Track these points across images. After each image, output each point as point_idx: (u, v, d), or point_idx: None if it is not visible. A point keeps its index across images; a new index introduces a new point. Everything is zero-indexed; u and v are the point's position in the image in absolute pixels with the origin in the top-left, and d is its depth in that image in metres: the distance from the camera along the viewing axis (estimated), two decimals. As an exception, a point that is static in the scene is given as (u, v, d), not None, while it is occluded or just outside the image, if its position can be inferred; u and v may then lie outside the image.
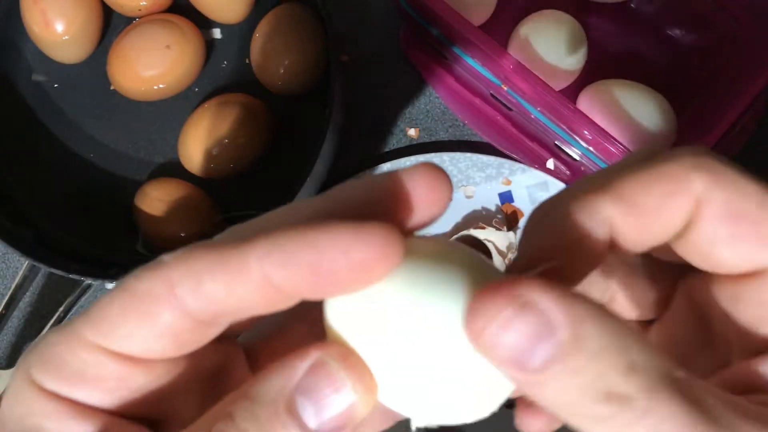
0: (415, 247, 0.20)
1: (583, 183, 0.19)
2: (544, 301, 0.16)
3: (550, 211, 0.19)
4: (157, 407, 0.20)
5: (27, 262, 0.48)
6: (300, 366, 0.18)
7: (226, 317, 0.19)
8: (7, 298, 0.49)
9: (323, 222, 0.17)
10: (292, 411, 0.17)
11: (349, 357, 0.18)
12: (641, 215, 0.18)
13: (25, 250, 0.46)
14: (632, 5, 0.50)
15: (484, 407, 0.19)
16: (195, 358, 0.20)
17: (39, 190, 0.51)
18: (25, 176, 0.51)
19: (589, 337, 0.16)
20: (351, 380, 0.18)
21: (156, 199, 0.48)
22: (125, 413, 0.20)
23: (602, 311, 0.16)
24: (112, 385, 0.19)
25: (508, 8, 0.49)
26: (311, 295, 0.18)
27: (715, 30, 0.50)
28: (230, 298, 0.18)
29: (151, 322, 0.18)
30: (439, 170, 0.20)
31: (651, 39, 0.50)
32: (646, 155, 0.19)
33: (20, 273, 0.49)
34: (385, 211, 0.20)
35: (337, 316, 0.19)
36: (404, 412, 0.19)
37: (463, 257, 0.19)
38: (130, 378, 0.19)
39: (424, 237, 0.20)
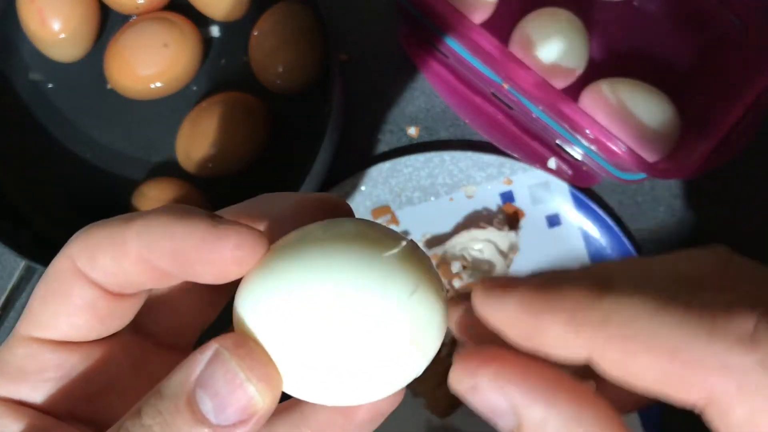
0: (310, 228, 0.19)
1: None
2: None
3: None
4: (104, 406, 0.21)
5: (23, 263, 0.48)
6: (200, 359, 0.18)
7: (127, 288, 0.20)
8: (3, 299, 0.49)
9: (191, 212, 0.19)
10: (193, 406, 0.17)
11: (245, 347, 0.18)
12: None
13: (22, 250, 0.45)
14: (635, 3, 0.50)
15: (387, 387, 0.18)
16: (140, 360, 0.21)
17: (35, 189, 0.51)
18: (20, 175, 0.51)
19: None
20: (248, 372, 0.17)
21: (154, 199, 0.48)
22: (70, 412, 0.20)
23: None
24: (51, 374, 0.20)
25: (510, 6, 0.49)
26: (184, 277, 0.19)
27: (719, 28, 0.49)
28: (118, 270, 0.19)
29: (66, 299, 0.20)
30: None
31: (653, 37, 0.50)
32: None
33: (16, 273, 0.49)
34: None
35: (241, 302, 0.18)
36: (306, 398, 0.18)
37: (354, 230, 0.19)
38: (68, 365, 0.20)
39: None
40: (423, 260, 0.18)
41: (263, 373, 0.17)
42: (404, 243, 0.18)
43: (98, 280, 0.19)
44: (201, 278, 0.19)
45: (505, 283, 0.18)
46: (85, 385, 0.20)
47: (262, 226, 0.22)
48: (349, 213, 0.22)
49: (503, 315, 0.17)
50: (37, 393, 0.20)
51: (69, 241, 0.20)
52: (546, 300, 0.17)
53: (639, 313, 0.16)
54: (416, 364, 0.18)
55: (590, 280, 0.17)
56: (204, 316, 0.23)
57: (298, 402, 0.20)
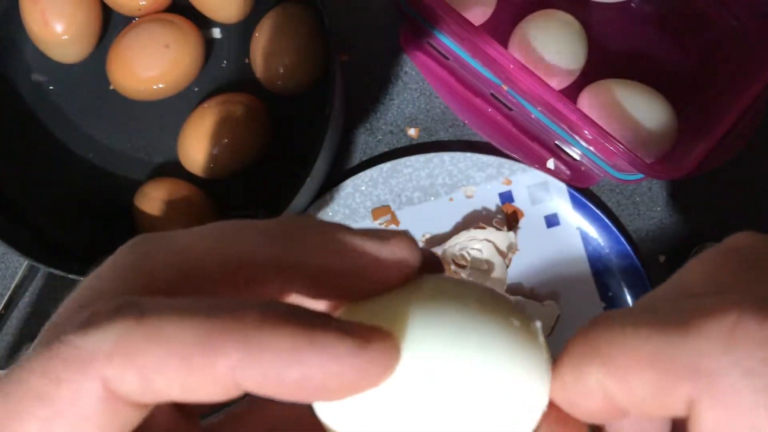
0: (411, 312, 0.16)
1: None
2: None
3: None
4: None
5: (26, 262, 0.48)
6: None
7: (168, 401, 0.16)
8: (6, 298, 0.49)
9: (314, 324, 0.15)
10: None
11: None
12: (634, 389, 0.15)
13: (25, 250, 0.45)
14: (633, 4, 0.50)
15: None
16: (148, 424, 0.17)
17: (38, 190, 0.51)
18: (24, 176, 0.51)
19: None
20: None
21: (156, 199, 0.48)
22: None
23: None
24: None
25: (509, 7, 0.49)
26: (286, 400, 0.15)
27: (716, 29, 0.49)
28: (186, 395, 0.15)
29: (86, 427, 0.14)
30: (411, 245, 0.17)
31: (651, 38, 0.50)
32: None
33: (19, 273, 0.49)
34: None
35: (331, 415, 0.16)
36: None
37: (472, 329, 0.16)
38: None
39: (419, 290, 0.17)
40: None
41: None
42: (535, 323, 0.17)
43: (143, 400, 0.15)
44: (317, 400, 0.16)
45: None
46: None
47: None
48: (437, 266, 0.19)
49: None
50: None
51: (89, 350, 0.15)
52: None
53: (622, 334, 0.15)
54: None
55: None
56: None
57: None
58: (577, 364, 0.16)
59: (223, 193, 0.50)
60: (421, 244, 0.51)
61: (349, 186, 0.51)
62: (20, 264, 0.50)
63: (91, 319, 0.15)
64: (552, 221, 0.51)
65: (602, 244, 0.50)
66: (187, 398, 0.15)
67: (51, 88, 0.52)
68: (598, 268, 0.50)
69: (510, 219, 0.51)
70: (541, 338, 0.17)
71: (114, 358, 0.14)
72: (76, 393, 0.14)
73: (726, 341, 0.14)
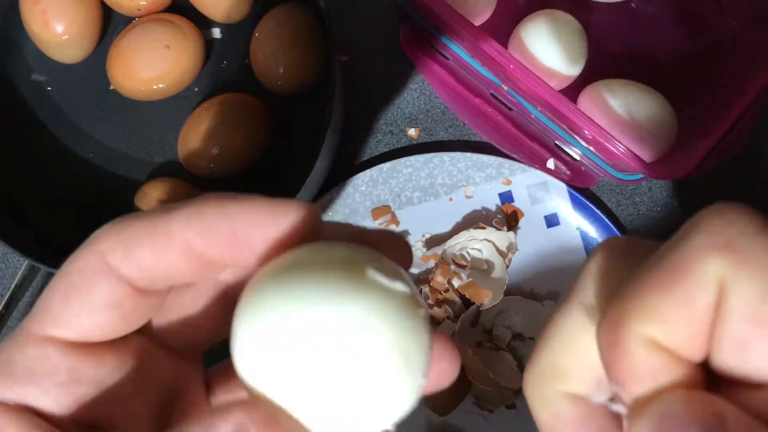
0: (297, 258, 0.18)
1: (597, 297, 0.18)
2: None
3: (571, 334, 0.18)
4: (108, 412, 0.19)
5: (27, 262, 0.48)
6: (222, 427, 0.16)
7: (159, 283, 0.19)
8: (6, 298, 0.49)
9: (244, 195, 0.18)
10: None
11: (272, 422, 0.16)
12: (674, 331, 0.16)
13: (25, 250, 0.45)
14: (633, 5, 0.50)
15: (391, 413, 0.18)
16: (147, 365, 0.20)
17: (39, 190, 0.51)
18: (24, 176, 0.51)
19: None
20: None
21: (156, 200, 0.48)
22: (75, 418, 0.19)
23: None
24: (63, 378, 0.18)
25: (509, 8, 0.49)
26: (231, 263, 0.19)
27: (716, 30, 0.50)
28: (158, 263, 0.18)
29: (91, 296, 0.18)
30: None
31: (651, 39, 0.50)
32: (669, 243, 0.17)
33: (20, 273, 0.49)
34: None
35: (245, 363, 0.17)
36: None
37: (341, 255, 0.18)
38: (81, 369, 0.19)
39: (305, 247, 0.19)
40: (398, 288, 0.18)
41: None
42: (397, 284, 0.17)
43: (131, 275, 0.19)
44: (247, 260, 0.18)
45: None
46: (92, 390, 0.19)
47: None
48: (405, 254, 0.20)
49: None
50: (44, 397, 0.18)
51: (94, 236, 0.19)
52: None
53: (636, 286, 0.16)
54: (410, 390, 0.18)
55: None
56: (216, 329, 0.22)
57: None
58: (614, 326, 0.16)
59: (224, 193, 0.50)
60: (421, 244, 0.51)
61: (349, 186, 0.51)
62: (20, 264, 0.50)
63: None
64: (552, 221, 0.51)
65: (602, 244, 0.50)
66: (163, 267, 0.18)
67: (51, 88, 0.52)
68: (598, 268, 0.50)
69: (510, 219, 0.51)
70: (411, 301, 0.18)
71: (108, 235, 0.19)
72: (82, 263, 0.19)
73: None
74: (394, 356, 0.17)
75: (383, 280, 0.17)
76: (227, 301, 0.21)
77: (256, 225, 0.18)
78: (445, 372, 0.19)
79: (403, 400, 0.18)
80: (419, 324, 0.18)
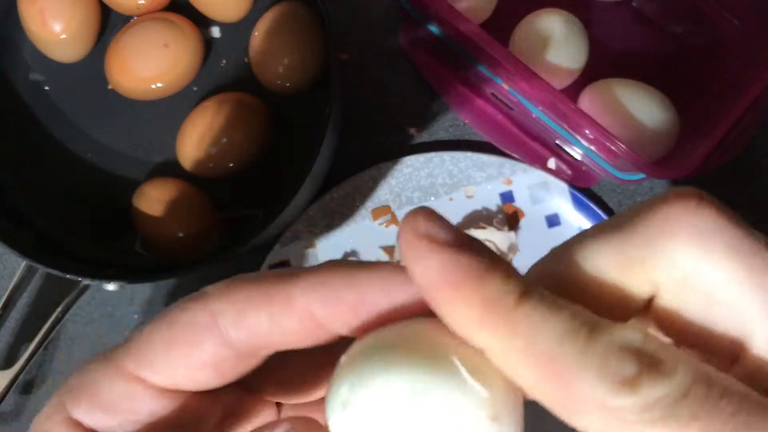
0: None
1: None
2: None
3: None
4: None
5: (24, 263, 0.48)
6: None
7: (266, 349, 0.19)
8: (4, 299, 0.49)
9: (369, 263, 0.18)
10: None
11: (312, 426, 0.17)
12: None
13: (23, 250, 0.45)
14: (634, 4, 0.50)
15: None
16: (229, 409, 0.21)
17: (36, 189, 0.51)
18: (22, 176, 0.51)
19: None
20: None
21: (154, 199, 0.48)
22: None
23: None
24: (143, 418, 0.19)
25: (509, 6, 0.49)
26: (351, 333, 0.18)
27: (718, 29, 0.49)
28: (272, 330, 0.18)
29: (194, 353, 0.18)
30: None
31: (653, 37, 0.50)
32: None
33: (17, 273, 0.49)
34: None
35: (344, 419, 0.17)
36: None
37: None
38: (163, 413, 0.19)
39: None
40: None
41: None
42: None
43: (239, 339, 0.18)
44: (374, 327, 0.18)
45: (431, 234, 0.16)
46: (170, 430, 0.19)
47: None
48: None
49: (421, 273, 0.16)
50: (119, 429, 0.19)
51: (208, 292, 0.19)
52: (463, 278, 0.15)
53: (544, 329, 0.15)
54: None
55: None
56: (312, 380, 0.22)
57: None
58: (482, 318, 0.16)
59: (223, 193, 0.49)
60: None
61: (349, 186, 0.50)
62: (18, 264, 0.50)
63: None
64: (553, 221, 0.51)
65: (603, 244, 0.50)
66: (277, 334, 0.18)
67: (50, 86, 0.52)
68: (599, 268, 0.50)
69: (511, 219, 0.51)
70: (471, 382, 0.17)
71: (221, 294, 0.18)
72: (190, 317, 0.18)
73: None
74: None
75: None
76: (326, 354, 0.21)
77: (384, 291, 0.17)
78: None
79: None
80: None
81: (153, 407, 0.19)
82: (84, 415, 0.19)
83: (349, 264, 0.18)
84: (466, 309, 0.15)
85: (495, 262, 0.16)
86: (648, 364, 0.14)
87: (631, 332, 0.15)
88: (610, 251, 0.16)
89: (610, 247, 0.16)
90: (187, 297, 0.19)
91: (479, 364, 0.17)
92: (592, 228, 0.17)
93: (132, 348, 0.19)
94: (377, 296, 0.17)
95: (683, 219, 0.16)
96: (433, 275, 0.16)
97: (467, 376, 0.16)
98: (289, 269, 0.19)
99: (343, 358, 0.17)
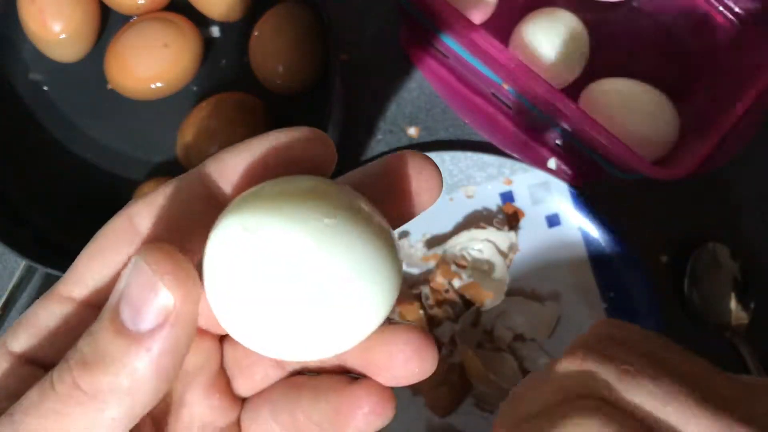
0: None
1: None
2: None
3: None
4: None
5: (24, 263, 0.48)
6: (124, 273, 0.17)
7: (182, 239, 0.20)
8: (4, 299, 0.49)
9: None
10: (115, 318, 0.17)
11: (160, 250, 0.17)
12: None
13: (22, 250, 0.45)
14: (634, 3, 0.50)
15: (334, 345, 0.18)
16: None
17: (35, 189, 0.51)
18: (21, 175, 0.51)
19: None
20: (157, 272, 0.17)
21: (154, 199, 0.48)
22: None
23: None
24: (78, 337, 0.19)
25: (509, 6, 0.49)
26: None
27: (718, 29, 0.49)
28: (179, 212, 0.20)
29: (115, 256, 0.19)
30: (428, 161, 0.21)
31: (653, 37, 0.50)
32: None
33: (17, 274, 0.49)
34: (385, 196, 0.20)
35: (211, 280, 0.18)
36: (255, 347, 0.18)
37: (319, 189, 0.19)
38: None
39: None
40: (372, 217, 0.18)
41: (172, 270, 0.17)
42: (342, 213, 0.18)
43: (151, 234, 0.19)
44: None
45: None
46: None
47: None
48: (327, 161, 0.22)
49: None
50: (59, 355, 0.19)
51: (126, 205, 0.20)
52: None
53: None
54: (366, 323, 0.18)
55: None
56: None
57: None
58: None
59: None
60: (421, 245, 0.51)
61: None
62: (18, 264, 0.50)
63: None
64: (553, 221, 0.50)
65: (603, 244, 0.50)
66: (184, 218, 0.20)
67: (50, 86, 0.52)
68: (600, 268, 0.50)
69: (511, 219, 0.51)
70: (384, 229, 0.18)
71: (137, 202, 0.20)
72: (111, 226, 0.20)
73: None
74: (349, 274, 0.17)
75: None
76: None
77: (275, 151, 0.20)
78: (424, 366, 0.19)
79: (367, 320, 0.18)
80: (376, 240, 0.18)
81: (87, 324, 0.19)
82: (23, 345, 0.19)
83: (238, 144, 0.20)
84: None
85: None
86: None
87: None
88: None
89: None
90: None
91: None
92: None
93: (67, 273, 0.20)
94: (262, 156, 0.20)
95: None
96: None
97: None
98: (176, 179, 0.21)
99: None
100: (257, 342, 0.18)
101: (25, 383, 0.19)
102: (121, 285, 0.17)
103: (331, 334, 0.18)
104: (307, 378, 0.21)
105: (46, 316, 0.19)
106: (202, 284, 0.18)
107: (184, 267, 0.17)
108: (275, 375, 0.21)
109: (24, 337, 0.19)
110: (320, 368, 0.21)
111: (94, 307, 0.19)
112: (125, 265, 0.19)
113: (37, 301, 0.20)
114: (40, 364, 0.19)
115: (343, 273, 0.17)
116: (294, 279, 0.17)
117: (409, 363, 0.19)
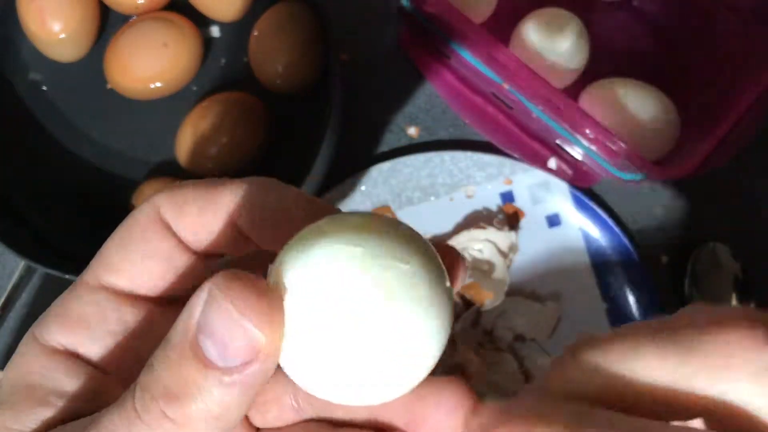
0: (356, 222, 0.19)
1: None
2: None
3: None
4: (141, 366, 0.20)
5: (23, 263, 0.48)
6: (196, 302, 0.17)
7: (203, 246, 0.21)
8: (4, 298, 0.48)
9: (282, 184, 0.20)
10: (197, 351, 0.17)
11: (237, 282, 0.17)
12: None
13: (22, 250, 0.45)
14: (634, 3, 0.50)
15: (389, 391, 0.18)
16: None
17: (35, 189, 0.51)
18: (21, 175, 0.51)
19: None
20: (242, 309, 0.16)
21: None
22: (119, 366, 0.20)
23: None
24: (113, 327, 0.20)
25: (510, 6, 0.49)
26: (258, 244, 0.20)
27: (719, 28, 0.49)
28: (203, 228, 0.20)
29: (145, 244, 0.20)
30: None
31: (653, 37, 0.50)
32: None
33: (16, 274, 0.48)
34: None
35: (281, 258, 0.18)
36: (309, 387, 0.18)
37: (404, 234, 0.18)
38: (130, 319, 0.20)
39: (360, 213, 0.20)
40: (435, 263, 0.18)
41: (258, 308, 0.17)
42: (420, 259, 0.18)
43: (180, 232, 0.20)
44: (275, 245, 0.19)
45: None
46: (137, 344, 0.20)
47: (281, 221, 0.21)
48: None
49: None
50: (94, 345, 0.20)
51: (152, 196, 0.20)
52: None
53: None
54: (422, 370, 0.18)
55: (563, 414, 0.16)
56: None
57: None
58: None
59: (222, 193, 0.49)
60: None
61: (349, 186, 0.50)
62: (17, 264, 0.49)
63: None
64: (553, 221, 0.50)
65: (604, 244, 0.50)
66: (204, 232, 0.20)
67: (49, 86, 0.52)
68: (600, 268, 0.50)
69: (511, 219, 0.51)
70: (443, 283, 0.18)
71: (163, 194, 0.20)
72: (139, 217, 0.20)
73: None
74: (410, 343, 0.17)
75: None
76: None
77: (295, 211, 0.19)
78: (463, 419, 0.19)
79: (423, 367, 0.18)
80: (440, 289, 0.18)
81: (119, 315, 0.20)
82: (55, 336, 0.19)
83: (265, 181, 0.20)
84: None
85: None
86: None
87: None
88: (665, 372, 0.16)
89: (666, 369, 0.16)
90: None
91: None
92: (643, 332, 0.16)
93: (94, 262, 0.20)
94: (291, 214, 0.19)
95: (749, 354, 0.15)
96: None
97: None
98: (222, 179, 0.21)
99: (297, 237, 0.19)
100: (310, 382, 0.18)
101: (65, 375, 0.19)
102: (195, 314, 0.17)
103: (389, 380, 0.17)
104: (324, 427, 0.21)
105: (77, 305, 0.20)
106: None
107: (268, 298, 0.17)
108: (289, 418, 0.21)
109: (55, 327, 0.20)
110: (348, 420, 0.21)
111: (127, 295, 0.20)
112: (159, 254, 0.20)
113: (65, 292, 0.20)
114: (74, 353, 0.20)
115: (412, 320, 0.17)
116: (361, 323, 0.17)
117: (451, 415, 0.19)
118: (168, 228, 0.20)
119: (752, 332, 0.15)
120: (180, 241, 0.20)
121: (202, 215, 0.20)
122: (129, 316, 0.20)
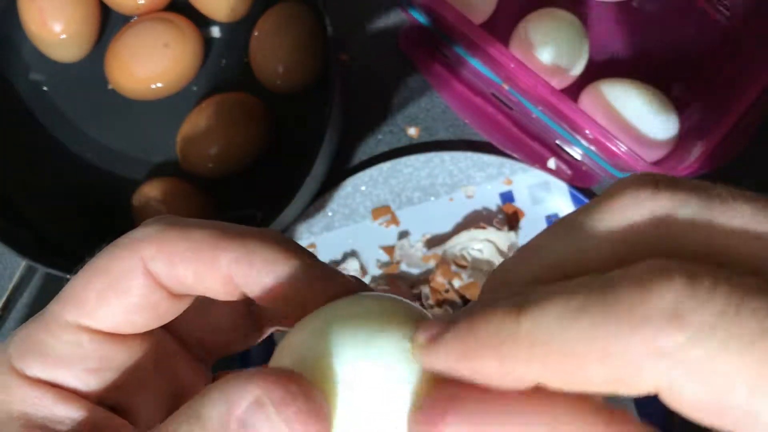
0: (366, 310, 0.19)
1: None
2: None
3: None
4: (129, 395, 0.21)
5: (24, 263, 0.48)
6: (241, 396, 0.16)
7: (192, 296, 0.21)
8: (4, 299, 0.48)
9: (291, 246, 0.19)
10: None
11: (293, 403, 0.16)
12: None
13: (22, 250, 0.45)
14: (634, 4, 0.50)
15: None
16: (167, 358, 0.22)
17: (36, 189, 0.51)
18: (22, 176, 0.51)
19: None
20: (300, 428, 0.16)
21: (154, 199, 0.48)
22: (99, 398, 0.20)
23: None
24: (94, 365, 0.20)
25: (510, 6, 0.49)
26: (267, 304, 0.20)
27: (718, 29, 0.49)
28: (197, 284, 0.19)
29: (129, 299, 0.19)
30: None
31: (653, 37, 0.50)
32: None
33: (17, 274, 0.48)
34: None
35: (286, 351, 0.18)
36: None
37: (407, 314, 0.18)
38: (111, 356, 0.20)
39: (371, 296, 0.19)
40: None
41: (306, 413, 0.16)
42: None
43: (169, 286, 0.20)
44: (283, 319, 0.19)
45: (434, 333, 0.16)
46: (119, 375, 0.20)
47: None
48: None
49: (444, 367, 0.16)
50: (74, 380, 0.20)
51: (136, 238, 0.20)
52: (471, 343, 0.15)
53: (560, 326, 0.14)
54: None
55: (506, 299, 0.15)
56: (234, 340, 0.23)
57: None
58: (501, 358, 0.15)
59: (222, 193, 0.49)
60: (421, 245, 0.51)
61: (349, 186, 0.50)
62: (18, 264, 0.50)
63: (142, 224, 0.20)
64: (553, 221, 0.50)
65: (603, 244, 0.50)
66: (200, 286, 0.19)
67: (50, 86, 0.52)
68: (600, 268, 0.50)
69: (511, 219, 0.51)
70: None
71: (151, 243, 0.19)
72: (122, 265, 0.19)
73: (674, 320, 0.13)
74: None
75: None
76: (250, 316, 0.23)
77: (298, 289, 0.19)
78: None
79: None
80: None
81: (101, 353, 0.20)
82: (34, 371, 0.19)
83: (279, 245, 0.19)
84: (490, 364, 0.15)
85: (474, 313, 0.15)
86: (685, 284, 0.13)
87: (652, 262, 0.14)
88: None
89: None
90: (115, 242, 0.20)
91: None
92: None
93: (69, 300, 0.20)
94: (294, 290, 0.19)
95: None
96: (450, 363, 0.16)
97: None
98: (221, 225, 0.20)
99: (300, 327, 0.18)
100: None
101: (53, 403, 0.19)
102: (237, 410, 0.16)
103: None
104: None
105: (57, 343, 0.19)
106: None
107: (319, 404, 0.16)
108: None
109: (35, 364, 0.19)
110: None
111: (106, 334, 0.20)
112: (143, 307, 0.19)
113: (32, 323, 0.20)
114: (56, 384, 0.19)
115: None
116: (378, 422, 0.17)
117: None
118: (154, 279, 0.19)
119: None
120: (167, 291, 0.20)
121: (199, 280, 0.19)
122: (109, 354, 0.20)
